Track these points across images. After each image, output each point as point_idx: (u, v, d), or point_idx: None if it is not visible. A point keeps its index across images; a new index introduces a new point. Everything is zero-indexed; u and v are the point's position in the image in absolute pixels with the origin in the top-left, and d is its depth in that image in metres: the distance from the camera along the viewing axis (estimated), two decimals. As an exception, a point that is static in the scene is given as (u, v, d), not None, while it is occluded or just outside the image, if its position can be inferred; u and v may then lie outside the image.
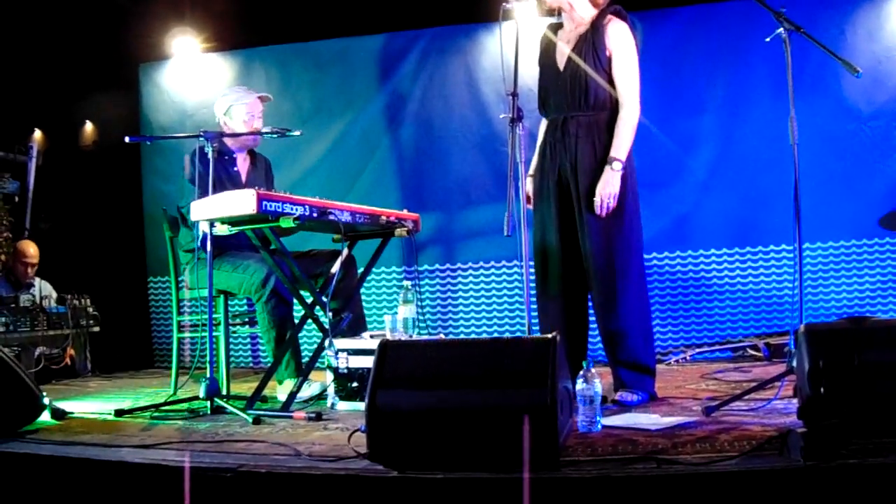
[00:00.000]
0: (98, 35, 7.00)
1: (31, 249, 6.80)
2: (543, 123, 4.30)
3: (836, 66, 3.93)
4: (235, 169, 5.05)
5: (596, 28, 4.08)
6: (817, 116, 5.92)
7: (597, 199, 3.96)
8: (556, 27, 4.30)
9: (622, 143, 3.99)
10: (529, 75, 4.34)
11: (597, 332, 4.18)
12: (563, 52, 4.15)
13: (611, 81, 4.06)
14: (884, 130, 6.07)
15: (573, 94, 4.06)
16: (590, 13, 4.13)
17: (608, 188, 3.95)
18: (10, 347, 5.62)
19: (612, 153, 3.98)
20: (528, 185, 4.29)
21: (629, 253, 4.06)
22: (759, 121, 6.15)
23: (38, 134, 7.95)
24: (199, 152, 4.53)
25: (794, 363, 3.10)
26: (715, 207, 6.31)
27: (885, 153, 6.07)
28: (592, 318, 4.22)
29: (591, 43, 4.07)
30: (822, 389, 2.81)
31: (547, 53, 4.26)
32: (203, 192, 4.27)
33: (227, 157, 5.01)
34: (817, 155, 5.88)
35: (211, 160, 4.32)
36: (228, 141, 5.00)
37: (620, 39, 4.06)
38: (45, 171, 7.77)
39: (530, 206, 4.27)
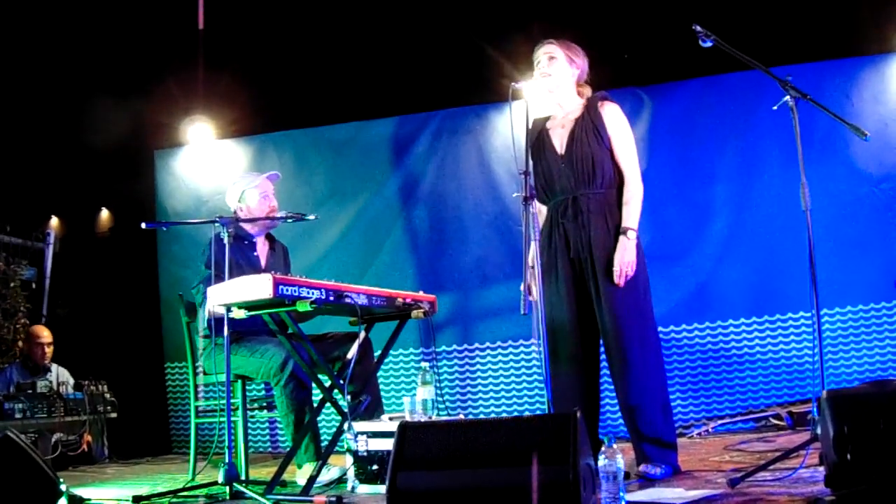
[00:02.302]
0: (113, 122, 7.11)
1: (43, 331, 6.93)
2: (543, 210, 4.30)
3: (844, 130, 3.97)
4: (255, 254, 5.08)
5: (591, 111, 4.19)
6: (828, 181, 5.95)
7: (616, 269, 4.00)
8: (543, 120, 4.36)
9: (633, 213, 4.08)
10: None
11: (616, 407, 4.15)
12: (560, 136, 4.22)
13: (612, 160, 4.14)
14: (895, 192, 6.08)
15: (582, 173, 4.11)
16: (577, 102, 4.27)
17: (626, 256, 4.00)
18: (27, 434, 5.62)
19: (625, 223, 4.05)
20: (527, 277, 4.15)
21: (647, 325, 4.09)
22: (771, 188, 6.18)
23: (54, 221, 8.08)
24: (215, 239, 4.55)
25: (819, 430, 3.06)
26: (731, 277, 6.28)
27: (897, 214, 6.08)
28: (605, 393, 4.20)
29: (591, 123, 4.16)
30: (848, 455, 2.77)
31: (541, 143, 4.30)
32: (219, 277, 4.29)
33: (246, 242, 5.05)
34: (830, 220, 5.92)
35: (227, 245, 4.35)
36: (246, 226, 5.04)
37: (617, 121, 4.18)
38: (62, 258, 7.89)
39: (532, 299, 4.15)
